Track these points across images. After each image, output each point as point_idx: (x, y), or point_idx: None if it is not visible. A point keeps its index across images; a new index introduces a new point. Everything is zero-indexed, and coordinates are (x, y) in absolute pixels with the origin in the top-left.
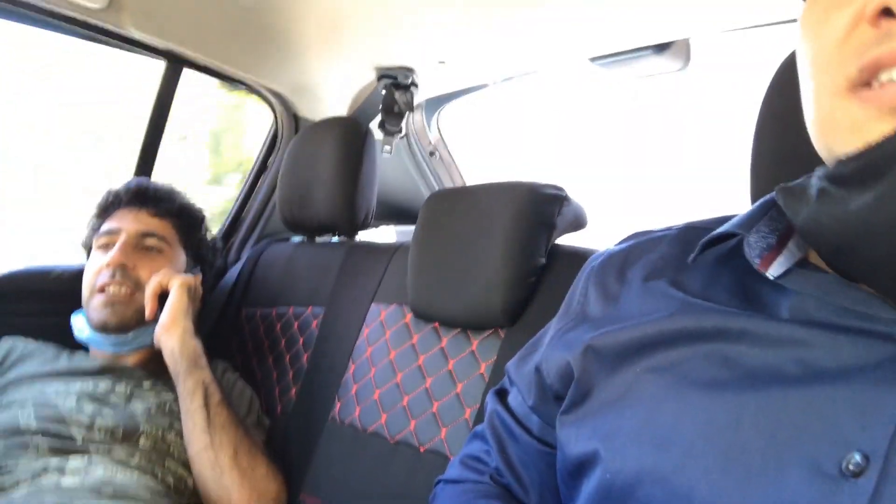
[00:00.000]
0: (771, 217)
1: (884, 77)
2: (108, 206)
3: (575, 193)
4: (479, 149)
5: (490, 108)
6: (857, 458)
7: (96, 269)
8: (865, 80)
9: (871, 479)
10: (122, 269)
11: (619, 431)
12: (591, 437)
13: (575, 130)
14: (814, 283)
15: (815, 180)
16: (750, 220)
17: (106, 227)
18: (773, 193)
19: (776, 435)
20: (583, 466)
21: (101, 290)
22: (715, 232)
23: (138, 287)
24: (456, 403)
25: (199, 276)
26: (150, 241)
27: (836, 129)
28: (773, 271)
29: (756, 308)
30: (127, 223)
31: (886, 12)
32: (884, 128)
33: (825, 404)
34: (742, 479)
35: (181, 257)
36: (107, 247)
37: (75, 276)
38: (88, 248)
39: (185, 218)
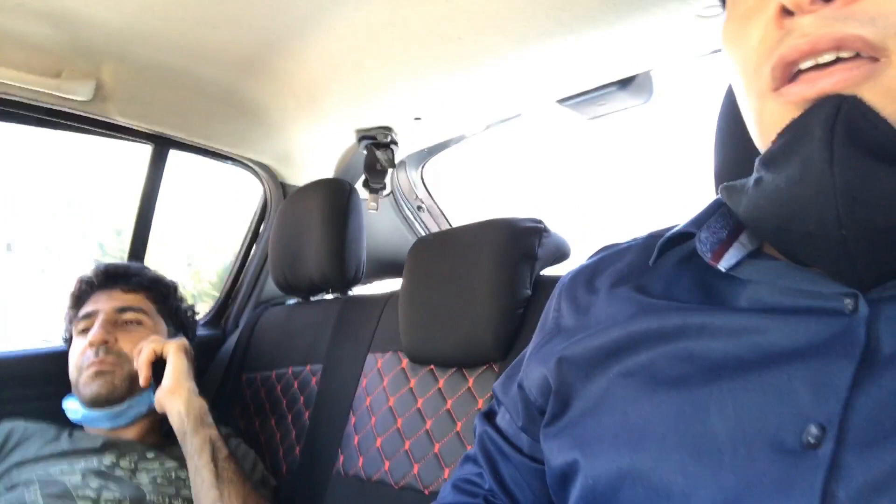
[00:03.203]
0: (721, 214)
1: (800, 68)
2: (82, 294)
3: (560, 225)
4: (470, 195)
5: (479, 153)
6: (814, 429)
7: (80, 352)
8: (781, 78)
9: (828, 448)
10: (105, 347)
11: (598, 437)
12: (572, 447)
13: (567, 165)
14: (763, 270)
15: (754, 173)
16: (701, 219)
17: (83, 311)
18: (719, 195)
19: (741, 420)
20: (566, 476)
21: (89, 367)
22: (669, 233)
23: (124, 360)
24: (457, 442)
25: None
26: (128, 316)
27: (765, 126)
28: (724, 263)
29: (715, 302)
30: (102, 303)
31: (786, 12)
32: None
33: (782, 384)
34: (715, 466)
35: (162, 327)
36: (86, 331)
37: (64, 357)
38: (68, 340)
39: (157, 288)
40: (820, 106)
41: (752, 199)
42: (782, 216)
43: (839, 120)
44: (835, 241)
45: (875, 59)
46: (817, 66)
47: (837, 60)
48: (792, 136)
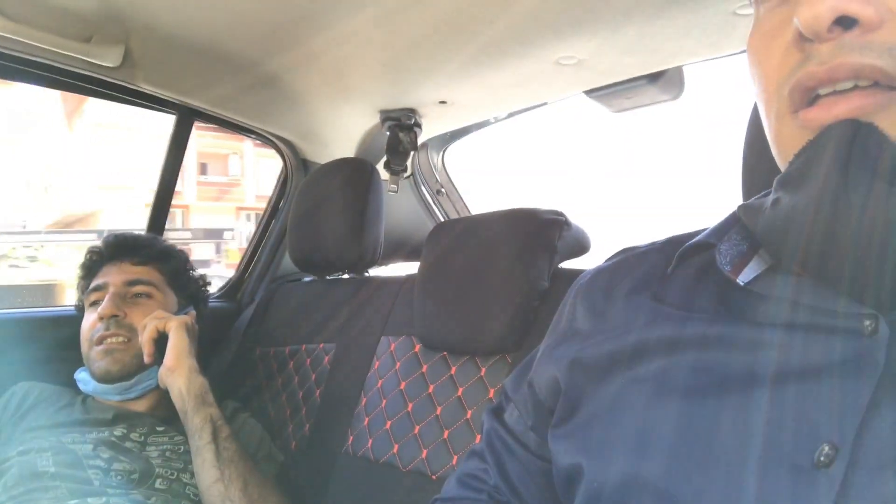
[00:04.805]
0: (742, 225)
1: (819, 93)
2: (92, 265)
3: (582, 218)
4: (490, 182)
5: (504, 141)
6: (827, 449)
7: (90, 324)
8: (799, 102)
9: (840, 469)
10: (115, 320)
11: (606, 442)
12: (579, 450)
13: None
14: (783, 286)
15: (772, 194)
16: (721, 230)
17: (93, 283)
18: (738, 213)
19: (753, 435)
20: (572, 478)
21: (99, 342)
22: (689, 243)
23: (134, 334)
24: (466, 430)
25: (193, 314)
26: (138, 289)
27: (783, 147)
28: (743, 277)
29: (733, 315)
30: (112, 276)
31: (805, 37)
32: None
33: (798, 402)
34: (723, 479)
35: (171, 299)
36: (97, 303)
37: (79, 321)
38: (80, 308)
39: (168, 260)
40: (836, 130)
41: (768, 220)
42: (798, 238)
43: (855, 145)
44: (852, 264)
45: (892, 89)
46: (836, 93)
47: (855, 88)
48: (808, 158)
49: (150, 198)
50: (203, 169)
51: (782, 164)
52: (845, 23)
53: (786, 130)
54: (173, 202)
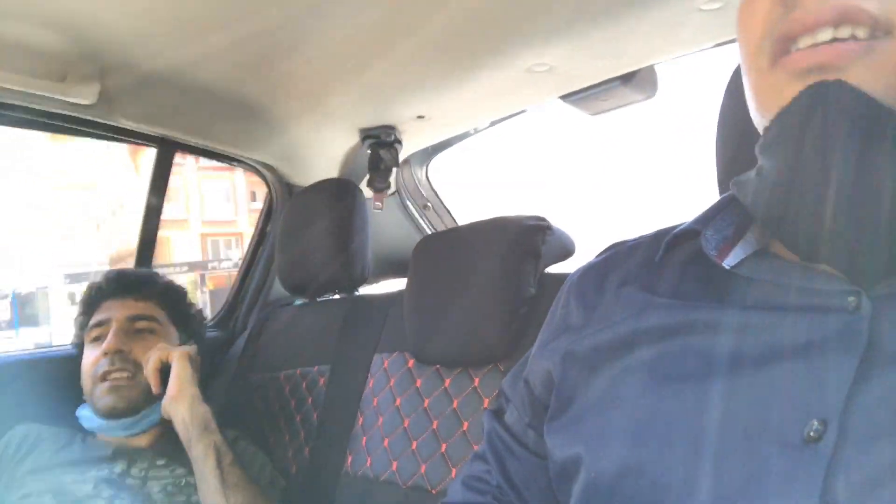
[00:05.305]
0: (727, 212)
1: (798, 46)
2: (92, 301)
3: (568, 222)
4: (479, 195)
5: (491, 152)
6: (816, 424)
7: (93, 360)
8: (780, 52)
9: (829, 443)
10: (120, 354)
11: (601, 433)
12: (575, 441)
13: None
14: (768, 268)
15: (758, 163)
16: (707, 217)
17: (95, 319)
18: (731, 190)
19: (744, 416)
20: (569, 470)
21: (103, 378)
22: (675, 230)
23: (138, 369)
24: (464, 442)
25: (195, 347)
26: (141, 324)
27: (762, 97)
28: (728, 261)
29: (721, 299)
30: (115, 311)
31: None
32: (795, 89)
33: (787, 381)
34: (716, 461)
35: (173, 334)
36: (99, 339)
37: (74, 361)
38: (79, 345)
39: (169, 296)
40: (807, 94)
41: (755, 189)
42: (781, 203)
43: (828, 106)
44: (832, 232)
45: (869, 38)
46: (814, 46)
47: (834, 41)
48: (785, 123)
49: (203, 230)
50: (254, 196)
51: (760, 122)
52: None
53: (766, 82)
54: (229, 231)
